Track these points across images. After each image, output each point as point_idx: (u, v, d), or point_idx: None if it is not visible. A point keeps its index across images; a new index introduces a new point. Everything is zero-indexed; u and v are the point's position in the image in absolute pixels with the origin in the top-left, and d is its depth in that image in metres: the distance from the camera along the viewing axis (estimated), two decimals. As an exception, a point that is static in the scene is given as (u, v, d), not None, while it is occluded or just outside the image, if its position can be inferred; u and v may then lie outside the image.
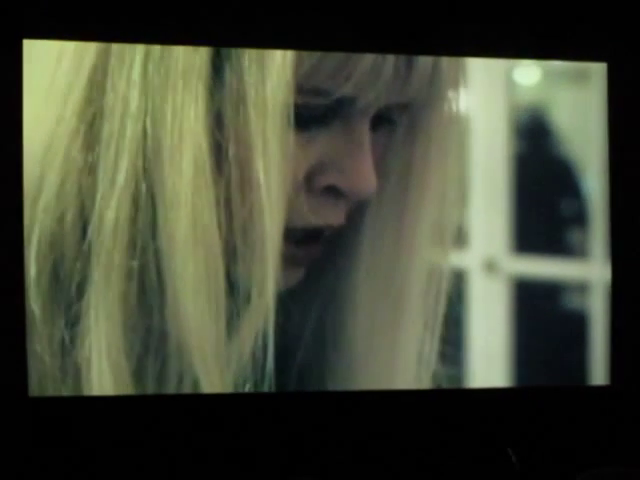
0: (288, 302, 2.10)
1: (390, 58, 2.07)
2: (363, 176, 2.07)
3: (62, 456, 2.05)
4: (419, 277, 2.16)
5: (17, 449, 2.02)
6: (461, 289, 2.22)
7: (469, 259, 2.25)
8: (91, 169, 1.98)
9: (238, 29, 2.10)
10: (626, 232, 2.30)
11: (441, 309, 2.16)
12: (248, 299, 2.04)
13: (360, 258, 2.13)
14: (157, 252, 1.99)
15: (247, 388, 2.08)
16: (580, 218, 2.31)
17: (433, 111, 2.13)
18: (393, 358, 2.17)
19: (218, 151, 2.00)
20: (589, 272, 2.31)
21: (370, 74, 2.05)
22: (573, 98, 2.35)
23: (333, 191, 2.08)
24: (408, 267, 2.15)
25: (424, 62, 2.10)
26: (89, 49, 1.98)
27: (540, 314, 2.29)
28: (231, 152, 2.01)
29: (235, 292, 2.04)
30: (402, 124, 2.11)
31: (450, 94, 2.15)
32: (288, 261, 2.07)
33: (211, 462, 2.12)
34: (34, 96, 2.00)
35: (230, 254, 2.03)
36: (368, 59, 2.05)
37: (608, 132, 2.29)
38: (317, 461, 2.17)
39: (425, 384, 2.18)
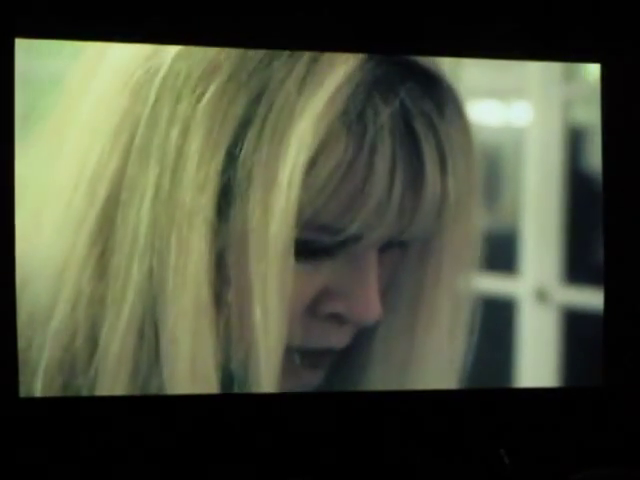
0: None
1: (395, 198, 2.02)
2: (368, 305, 2.06)
3: (53, 457, 2.11)
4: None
5: (7, 450, 2.09)
6: (511, 318, 2.23)
7: (520, 287, 2.25)
8: (99, 300, 2.02)
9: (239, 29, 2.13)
10: (622, 239, 2.28)
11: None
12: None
13: (370, 375, 2.15)
14: (159, 387, 2.03)
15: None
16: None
17: (444, 239, 2.10)
18: None
19: (218, 293, 2.00)
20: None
21: (376, 214, 2.01)
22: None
23: (337, 317, 2.08)
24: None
25: (431, 199, 2.04)
26: (102, 181, 2.00)
27: (590, 344, 2.28)
28: (231, 294, 2.01)
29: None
30: (414, 246, 2.09)
31: (460, 222, 2.12)
32: (297, 373, 2.10)
33: (208, 462, 2.16)
34: (49, 227, 2.05)
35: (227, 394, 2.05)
36: (373, 199, 2.01)
37: (602, 133, 2.25)
38: (315, 462, 2.19)
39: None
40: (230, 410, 2.15)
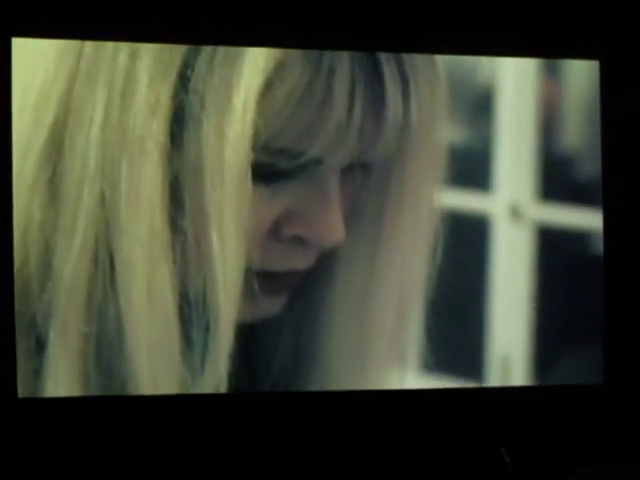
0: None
1: (356, 120, 1.96)
2: (331, 227, 2.03)
3: (51, 457, 2.11)
4: (387, 318, 2.14)
5: (6, 451, 2.09)
6: (485, 234, 2.22)
7: (494, 204, 2.23)
8: (50, 226, 1.98)
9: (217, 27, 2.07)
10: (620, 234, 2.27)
11: (411, 347, 2.17)
12: (202, 365, 2.04)
13: (332, 297, 2.12)
14: (115, 313, 1.99)
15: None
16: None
17: (407, 160, 2.06)
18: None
19: (174, 219, 1.96)
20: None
21: (336, 137, 1.96)
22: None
23: (300, 240, 2.04)
24: (378, 307, 2.13)
25: (392, 122, 1.99)
26: (48, 105, 1.95)
27: (563, 261, 2.27)
28: (187, 220, 1.96)
29: (191, 357, 2.04)
30: (376, 167, 2.05)
31: (423, 145, 2.08)
32: (260, 297, 2.05)
33: (217, 460, 2.16)
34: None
35: (186, 321, 2.02)
36: (333, 122, 1.96)
37: (601, 129, 2.24)
38: (305, 462, 2.20)
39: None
40: (215, 411, 2.15)
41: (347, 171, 2.02)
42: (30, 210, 1.97)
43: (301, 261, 2.07)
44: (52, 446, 2.09)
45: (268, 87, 1.93)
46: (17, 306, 2.02)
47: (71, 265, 1.97)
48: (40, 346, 2.02)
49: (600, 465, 1.80)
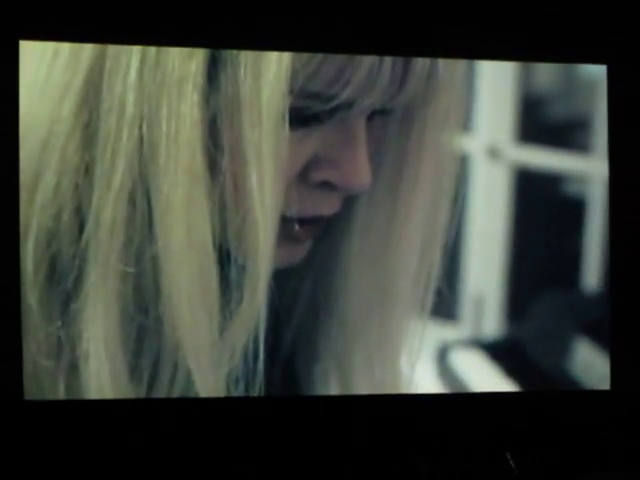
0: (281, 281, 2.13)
1: (387, 65, 1.99)
2: (358, 172, 2.04)
3: (58, 460, 2.14)
4: (409, 264, 2.17)
5: (12, 453, 2.11)
6: (462, 174, 2.23)
7: (472, 144, 2.26)
8: (88, 170, 1.99)
9: (236, 31, 2.11)
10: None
11: (429, 298, 2.19)
12: (240, 302, 2.06)
13: (351, 242, 2.15)
14: (153, 255, 2.02)
15: (240, 384, 2.13)
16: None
17: (429, 106, 2.08)
18: (382, 341, 2.21)
19: (213, 160, 1.98)
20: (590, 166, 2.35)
21: (367, 80, 1.98)
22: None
23: (327, 185, 2.07)
24: (399, 253, 2.16)
25: (421, 67, 2.02)
26: (85, 50, 1.97)
27: (541, 204, 2.32)
28: (225, 161, 1.99)
29: (228, 295, 2.06)
30: (398, 112, 2.08)
31: (447, 90, 2.09)
32: (284, 244, 2.09)
33: (211, 466, 2.21)
34: (31, 94, 2.03)
35: (224, 260, 2.05)
36: (365, 66, 1.99)
37: (608, 134, 2.27)
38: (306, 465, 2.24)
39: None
40: (226, 413, 2.20)
41: (373, 115, 2.05)
42: (66, 155, 1.98)
43: (328, 207, 2.10)
44: (57, 450, 2.14)
45: None
46: (54, 249, 2.03)
47: (109, 209, 1.98)
48: (78, 290, 2.04)
49: (603, 473, 1.84)
